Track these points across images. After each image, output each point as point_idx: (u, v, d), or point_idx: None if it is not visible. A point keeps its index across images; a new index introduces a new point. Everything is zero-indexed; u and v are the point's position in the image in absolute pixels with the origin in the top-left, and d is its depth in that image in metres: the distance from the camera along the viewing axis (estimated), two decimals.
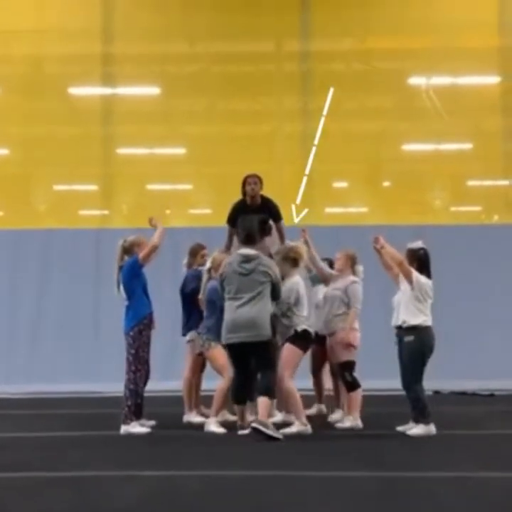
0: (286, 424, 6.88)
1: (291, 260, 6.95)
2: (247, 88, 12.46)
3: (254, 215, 7.37)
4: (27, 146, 12.48)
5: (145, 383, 6.96)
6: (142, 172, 12.44)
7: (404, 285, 6.67)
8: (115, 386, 7.92)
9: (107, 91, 12.59)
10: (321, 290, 7.66)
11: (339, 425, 7.13)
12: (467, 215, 12.52)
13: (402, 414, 6.80)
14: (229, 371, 6.87)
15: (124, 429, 6.74)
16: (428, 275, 6.70)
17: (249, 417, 6.84)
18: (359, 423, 7.02)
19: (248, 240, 6.77)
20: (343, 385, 7.21)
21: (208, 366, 7.44)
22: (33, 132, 12.47)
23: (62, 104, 12.33)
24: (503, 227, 11.72)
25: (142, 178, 12.48)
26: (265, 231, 7.53)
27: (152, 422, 7.17)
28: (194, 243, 7.90)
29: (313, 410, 7.88)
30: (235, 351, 6.68)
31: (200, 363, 7.58)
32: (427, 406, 6.53)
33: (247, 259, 6.65)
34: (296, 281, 6.88)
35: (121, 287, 6.91)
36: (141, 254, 6.87)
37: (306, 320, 6.87)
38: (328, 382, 8.00)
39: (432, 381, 7.18)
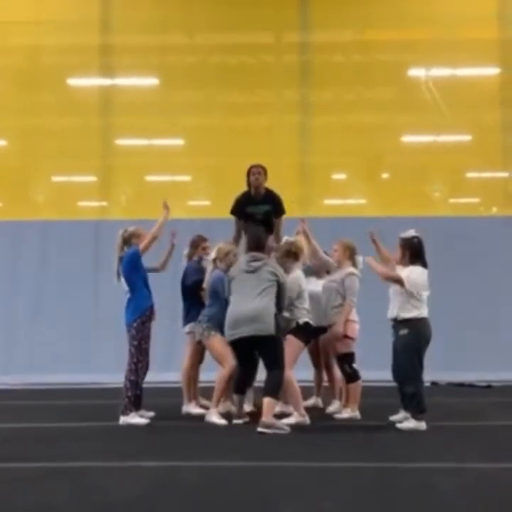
0: (284, 415, 6.89)
1: (293, 255, 7.04)
2: (246, 80, 12.42)
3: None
4: (25, 137, 12.43)
5: (144, 374, 6.97)
6: (141, 163, 12.40)
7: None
8: (115, 377, 7.94)
9: (105, 82, 12.53)
10: (313, 282, 7.61)
11: (338, 416, 7.16)
12: (466, 207, 12.50)
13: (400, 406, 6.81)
14: (230, 360, 6.82)
15: (123, 419, 6.76)
16: (423, 264, 6.54)
17: (247, 408, 6.83)
18: (357, 414, 7.05)
19: (256, 249, 6.85)
20: (343, 376, 7.22)
21: (208, 357, 7.42)
22: (32, 123, 12.42)
23: (60, 96, 12.27)
24: (501, 219, 11.71)
25: (141, 169, 12.44)
26: (271, 228, 7.57)
27: (151, 413, 7.18)
28: (195, 235, 7.86)
29: (310, 402, 7.89)
30: (239, 347, 6.69)
31: (199, 354, 7.59)
32: (423, 402, 6.40)
33: (255, 258, 6.75)
34: (297, 276, 6.98)
35: (122, 278, 6.93)
36: (141, 245, 6.89)
37: (307, 313, 6.91)
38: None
39: (430, 372, 7.18)
